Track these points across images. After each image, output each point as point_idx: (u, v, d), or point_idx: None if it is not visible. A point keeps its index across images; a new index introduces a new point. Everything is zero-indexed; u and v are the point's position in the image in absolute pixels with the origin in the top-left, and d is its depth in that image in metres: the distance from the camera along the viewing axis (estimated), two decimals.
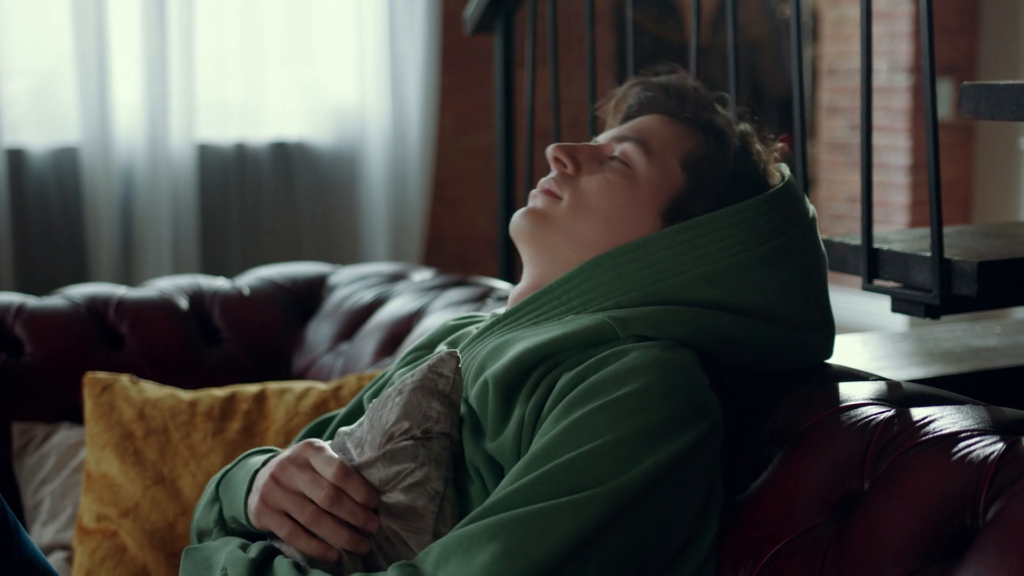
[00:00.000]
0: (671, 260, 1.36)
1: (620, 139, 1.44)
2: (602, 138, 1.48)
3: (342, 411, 1.60)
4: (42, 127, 4.23)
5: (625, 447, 1.20)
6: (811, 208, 1.45)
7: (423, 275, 2.49)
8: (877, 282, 1.91)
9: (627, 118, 1.49)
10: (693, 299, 1.35)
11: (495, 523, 1.17)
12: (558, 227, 1.41)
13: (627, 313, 1.33)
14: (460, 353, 1.41)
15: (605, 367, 1.26)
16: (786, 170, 1.46)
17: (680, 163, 1.41)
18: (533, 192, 1.46)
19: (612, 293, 1.37)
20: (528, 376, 1.30)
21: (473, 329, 1.50)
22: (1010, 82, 1.72)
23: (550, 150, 1.44)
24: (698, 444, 1.23)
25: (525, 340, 1.34)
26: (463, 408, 1.35)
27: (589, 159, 1.44)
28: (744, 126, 1.47)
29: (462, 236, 5.00)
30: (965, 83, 1.78)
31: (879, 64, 5.59)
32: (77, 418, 2.31)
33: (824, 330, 1.43)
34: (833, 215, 6.03)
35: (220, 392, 2.22)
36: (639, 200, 1.40)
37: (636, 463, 1.19)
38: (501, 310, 1.50)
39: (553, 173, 1.45)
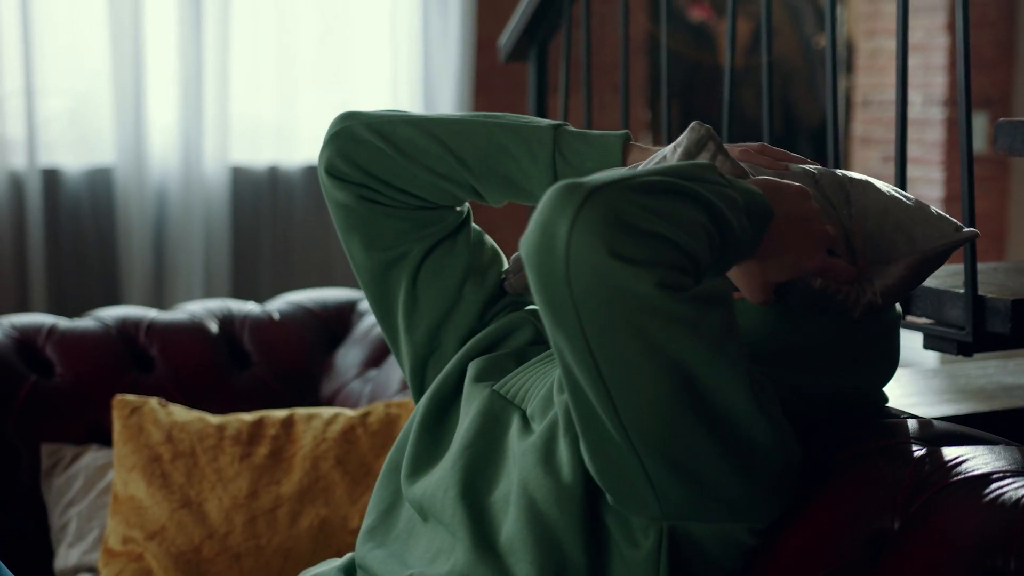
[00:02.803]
0: (759, 328, 1.34)
1: None
2: None
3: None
4: (77, 148, 4.25)
5: None
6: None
7: None
8: (910, 318, 1.90)
9: None
10: (771, 365, 1.34)
11: None
12: None
13: None
14: (527, 368, 1.42)
15: None
16: None
17: None
18: None
19: None
20: None
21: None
22: None
23: None
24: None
25: None
26: (518, 420, 1.35)
27: None
28: None
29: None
30: (1001, 120, 1.77)
31: (914, 96, 5.57)
32: (106, 440, 2.31)
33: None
34: None
35: (248, 417, 2.22)
36: None
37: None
38: None
39: None
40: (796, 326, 1.32)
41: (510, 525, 1.28)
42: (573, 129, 1.42)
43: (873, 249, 1.32)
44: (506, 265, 1.57)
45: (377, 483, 1.50)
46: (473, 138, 1.43)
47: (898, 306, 1.42)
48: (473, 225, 1.56)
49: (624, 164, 1.38)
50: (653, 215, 1.07)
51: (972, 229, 1.35)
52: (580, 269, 1.05)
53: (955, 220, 1.35)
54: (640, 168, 1.29)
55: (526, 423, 1.35)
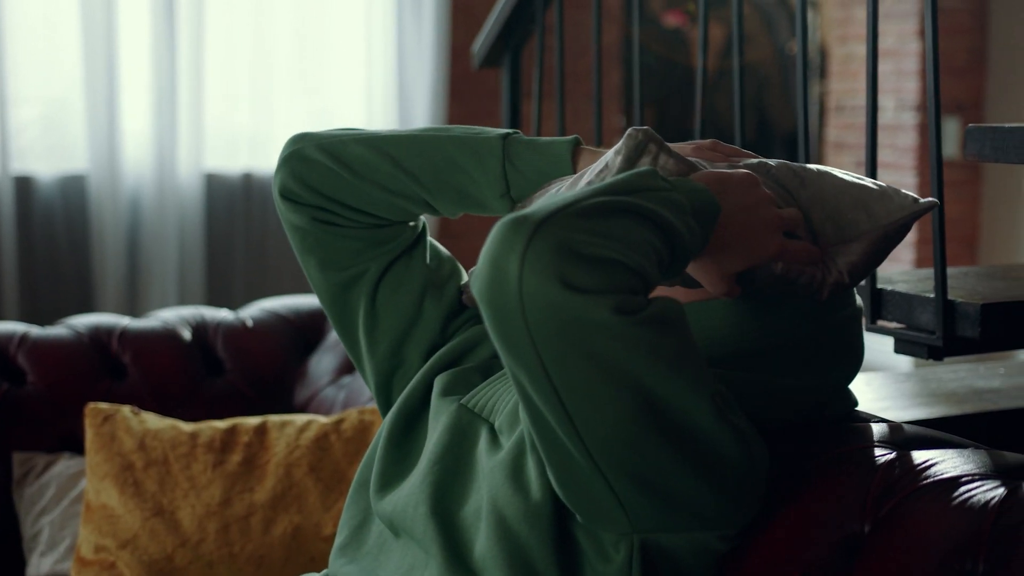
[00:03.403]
0: (722, 329, 1.34)
1: None
2: None
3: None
4: (50, 155, 4.24)
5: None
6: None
7: None
8: (881, 323, 1.91)
9: None
10: (738, 368, 1.34)
11: None
12: None
13: None
14: (493, 381, 1.42)
15: None
16: None
17: None
18: None
19: None
20: None
21: None
22: (1016, 125, 1.72)
23: None
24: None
25: None
26: (487, 434, 1.35)
27: None
28: None
29: (466, 268, 5.01)
30: (971, 125, 1.78)
31: (886, 102, 5.60)
32: (78, 448, 2.31)
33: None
34: None
35: (221, 424, 2.22)
36: None
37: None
38: None
39: None
40: (762, 325, 1.33)
41: (482, 542, 1.28)
42: (523, 137, 1.42)
43: (834, 228, 1.32)
44: (465, 278, 1.57)
45: (347, 500, 1.50)
46: (424, 153, 1.43)
47: (858, 299, 1.43)
48: (430, 239, 1.56)
49: (574, 170, 1.38)
50: (601, 239, 1.07)
51: (931, 199, 1.36)
52: (534, 303, 1.06)
53: (913, 193, 1.35)
54: (582, 182, 1.29)
55: (494, 437, 1.35)
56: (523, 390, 1.14)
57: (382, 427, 1.49)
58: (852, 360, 1.40)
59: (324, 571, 1.49)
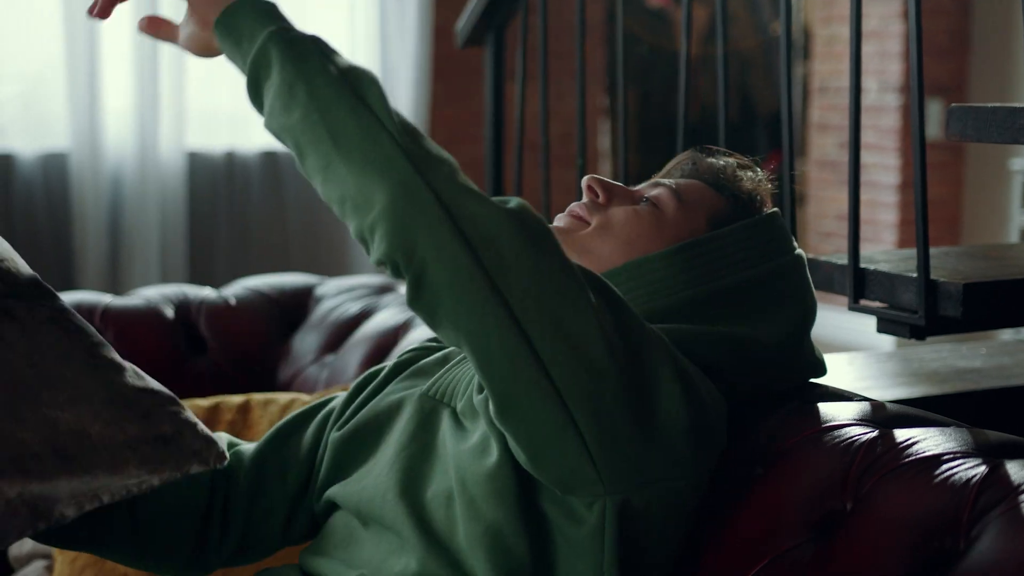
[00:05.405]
0: (665, 280, 1.37)
1: (656, 185, 1.46)
2: (640, 185, 1.49)
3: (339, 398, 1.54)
4: (31, 132, 4.22)
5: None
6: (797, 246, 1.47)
7: None
8: (863, 302, 1.92)
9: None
10: (685, 321, 1.37)
11: None
12: (578, 247, 1.41)
13: None
14: (453, 367, 1.42)
15: None
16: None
17: (707, 218, 1.43)
18: (559, 215, 1.46)
19: None
20: None
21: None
22: (997, 104, 1.72)
23: (586, 179, 1.45)
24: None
25: None
26: (449, 417, 1.36)
27: (622, 194, 1.45)
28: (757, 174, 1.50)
29: None
30: (953, 105, 1.79)
31: (869, 83, 5.61)
32: None
33: (810, 354, 1.44)
34: (822, 233, 6.04)
35: (204, 402, 2.21)
36: (662, 236, 1.41)
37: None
38: None
39: (584, 200, 1.45)
40: (698, 272, 1.38)
41: (463, 526, 1.28)
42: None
43: None
44: (336, 393, 1.58)
45: None
46: None
47: (798, 248, 1.45)
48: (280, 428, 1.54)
49: None
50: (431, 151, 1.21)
51: None
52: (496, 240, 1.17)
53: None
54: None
55: (457, 421, 1.35)
56: (487, 351, 1.18)
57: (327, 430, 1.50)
58: (798, 306, 1.41)
59: (294, 563, 1.49)
